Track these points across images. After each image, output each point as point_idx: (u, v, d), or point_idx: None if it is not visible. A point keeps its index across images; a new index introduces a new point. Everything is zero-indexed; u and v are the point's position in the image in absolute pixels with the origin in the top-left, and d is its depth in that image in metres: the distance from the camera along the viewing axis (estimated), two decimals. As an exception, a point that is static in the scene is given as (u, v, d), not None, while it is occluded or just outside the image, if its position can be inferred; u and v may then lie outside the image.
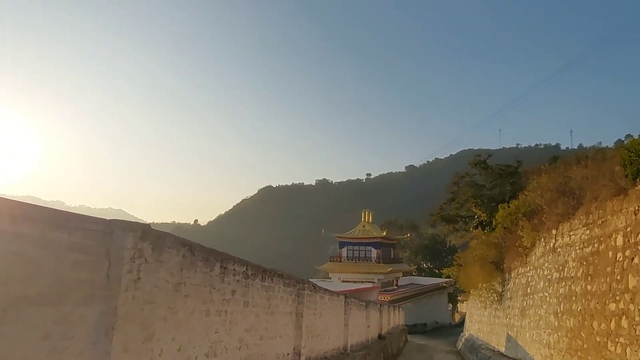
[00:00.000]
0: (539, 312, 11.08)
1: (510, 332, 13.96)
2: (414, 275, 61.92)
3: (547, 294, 10.67)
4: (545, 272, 11.05)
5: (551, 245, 10.88)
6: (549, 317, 10.13)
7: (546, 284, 10.82)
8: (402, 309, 34.18)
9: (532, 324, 11.55)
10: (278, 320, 6.33)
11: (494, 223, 17.62)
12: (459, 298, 56.39)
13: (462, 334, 29.32)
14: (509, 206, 16.22)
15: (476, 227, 21.87)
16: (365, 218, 55.60)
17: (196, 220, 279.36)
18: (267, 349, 5.87)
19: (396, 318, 26.90)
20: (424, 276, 62.48)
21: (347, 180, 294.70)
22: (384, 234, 50.87)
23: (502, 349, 14.75)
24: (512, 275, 14.69)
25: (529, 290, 12.43)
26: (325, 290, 9.30)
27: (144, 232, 3.21)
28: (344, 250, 51.71)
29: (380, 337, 18.13)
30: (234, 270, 4.86)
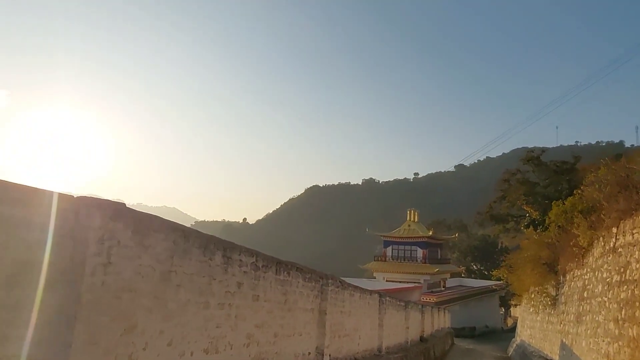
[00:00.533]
0: (597, 318, 9.96)
1: (564, 340, 12.77)
2: (463, 277, 59.73)
3: (606, 299, 9.55)
4: (605, 275, 9.91)
5: (611, 245, 9.74)
6: (608, 325, 9.05)
7: (605, 288, 9.70)
8: (449, 311, 32.83)
9: (589, 331, 10.41)
10: (297, 317, 5.91)
11: (547, 222, 16.31)
12: (511, 302, 53.67)
13: (513, 339, 27.67)
14: (563, 203, 14.91)
15: (527, 227, 20.36)
16: (410, 217, 54.22)
17: (245, 219, 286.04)
18: (283, 347, 5.47)
19: (441, 320, 25.79)
20: (474, 278, 60.05)
21: (394, 180, 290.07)
22: (430, 233, 49.32)
23: (556, 358, 13.54)
24: (567, 278, 13.45)
25: (585, 295, 11.25)
26: (356, 287, 8.78)
27: (117, 211, 2.88)
28: (389, 249, 50.67)
29: (421, 339, 17.30)
30: (240, 260, 4.49)
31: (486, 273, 59.40)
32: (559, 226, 14.93)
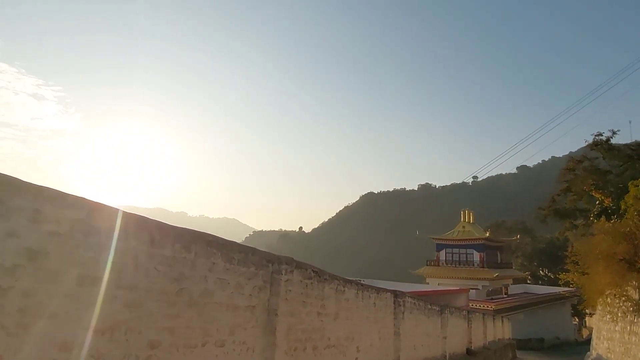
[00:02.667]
0: None
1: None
2: (528, 284, 54.43)
3: None
4: None
5: None
6: None
7: None
8: (509, 320, 29.08)
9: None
10: (215, 318, 3.90)
11: (622, 207, 13.05)
12: (586, 311, 47.80)
13: (587, 353, 23.64)
14: (644, 182, 11.73)
15: (598, 216, 16.77)
16: (465, 218, 50.21)
17: (301, 228, 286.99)
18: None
19: (499, 330, 22.44)
20: (541, 285, 54.47)
21: (452, 184, 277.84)
22: (487, 234, 45.12)
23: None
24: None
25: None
26: (349, 281, 6.51)
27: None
28: (442, 253, 47.03)
29: (468, 352, 14.47)
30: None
31: (554, 279, 53.38)
32: (638, 212, 11.74)
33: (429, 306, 10.61)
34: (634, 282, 11.98)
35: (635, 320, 11.94)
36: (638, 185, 12.08)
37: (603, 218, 15.54)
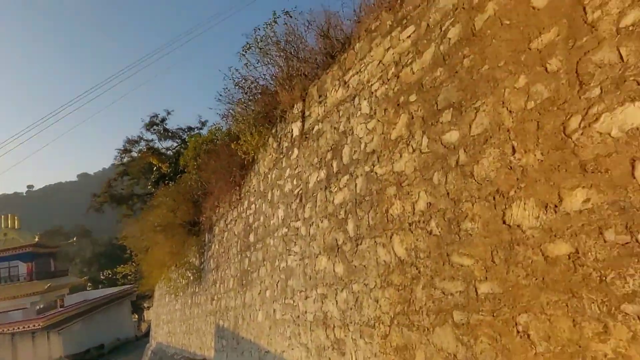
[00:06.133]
0: (281, 265, 5.74)
1: (222, 322, 8.26)
2: (89, 290, 49.62)
3: (297, 226, 5.42)
4: (289, 186, 5.81)
5: (297, 133, 5.77)
6: (306, 270, 4.87)
7: (291, 210, 5.57)
8: (60, 335, 23.97)
9: (270, 292, 6.10)
10: None
11: (181, 163, 11.69)
12: (144, 305, 48.35)
13: (147, 345, 22.27)
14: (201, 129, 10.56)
15: (157, 183, 15.32)
16: (8, 224, 39.97)
17: None
18: None
19: (44, 350, 17.22)
20: (102, 288, 51.01)
21: (1, 195, 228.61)
22: (37, 239, 37.41)
23: (211, 354, 8.93)
24: (219, 229, 9.09)
25: (252, 239, 7.01)
26: None
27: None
28: (-28, 272, 35.13)
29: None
30: None
31: (115, 279, 51.14)
32: (198, 166, 10.49)
33: None
34: (196, 248, 10.67)
35: (197, 289, 10.63)
36: (194, 137, 10.98)
37: (162, 184, 14.10)
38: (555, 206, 2.38)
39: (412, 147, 3.53)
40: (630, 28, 2.10)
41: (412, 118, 3.58)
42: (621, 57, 2.13)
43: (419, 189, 3.39)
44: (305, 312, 4.92)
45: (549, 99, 2.46)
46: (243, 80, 7.47)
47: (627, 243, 2.04)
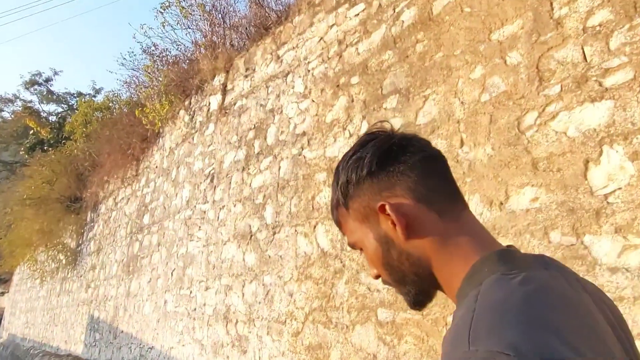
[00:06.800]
0: (180, 251, 5.12)
1: (97, 313, 7.23)
2: None
3: (204, 209, 4.89)
4: (199, 165, 5.25)
5: (217, 105, 5.24)
6: (210, 258, 4.41)
7: (199, 191, 5.03)
8: None
9: (162, 281, 5.43)
10: None
11: (67, 128, 10.18)
12: (-1, 290, 41.82)
13: (-3, 337, 19.19)
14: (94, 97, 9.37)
15: (32, 149, 13.11)
16: None
17: None
18: None
19: None
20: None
21: None
22: None
23: (79, 349, 7.76)
24: (106, 208, 8.01)
25: (147, 221, 6.23)
26: None
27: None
28: None
29: None
30: None
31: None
32: (89, 134, 9.22)
33: None
34: (73, 228, 9.32)
35: (68, 275, 9.28)
36: (87, 102, 9.63)
37: (39, 150, 12.13)
38: (501, 203, 2.29)
39: (349, 132, 3.29)
40: (597, 28, 2.08)
41: (352, 101, 3.34)
42: (585, 57, 2.10)
43: (353, 176, 3.15)
44: (204, 304, 4.40)
45: (505, 92, 2.38)
46: (153, 48, 6.66)
47: (572, 245, 1.99)
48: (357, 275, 2.91)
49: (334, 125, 3.44)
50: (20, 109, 18.77)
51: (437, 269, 0.60)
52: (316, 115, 3.66)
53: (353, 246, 0.69)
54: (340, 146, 3.32)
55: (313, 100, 3.73)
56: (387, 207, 0.60)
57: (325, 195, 3.33)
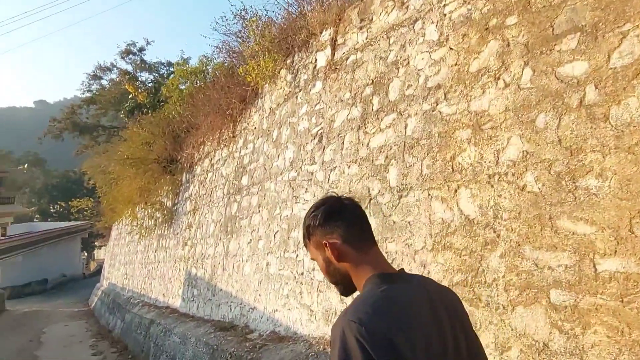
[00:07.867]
0: (284, 213, 4.96)
1: (195, 270, 7.47)
2: (36, 222, 47.22)
3: (312, 170, 4.64)
4: (305, 124, 4.99)
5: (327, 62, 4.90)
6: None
7: (305, 152, 4.78)
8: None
9: (264, 243, 5.34)
10: None
11: (164, 92, 10.49)
12: (95, 243, 46.38)
13: (97, 284, 21.25)
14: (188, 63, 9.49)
15: (131, 113, 13.91)
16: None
17: None
18: None
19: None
20: (51, 221, 48.65)
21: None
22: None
23: (177, 302, 8.15)
24: (201, 169, 8.16)
25: (246, 182, 6.17)
26: None
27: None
28: None
29: None
30: None
31: (67, 213, 48.71)
32: (185, 97, 9.39)
33: None
34: (169, 188, 9.70)
35: (164, 232, 9.73)
36: (180, 65, 9.82)
37: (137, 114, 12.78)
38: None
39: (505, 82, 2.78)
40: None
41: (508, 45, 2.82)
42: None
43: (511, 133, 2.66)
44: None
45: None
46: (244, 11, 6.42)
47: None
48: (518, 248, 2.47)
49: (482, 75, 2.94)
50: (117, 78, 19.93)
51: (354, 279, 1.14)
52: (455, 64, 3.18)
53: (313, 259, 1.24)
54: (490, 98, 2.83)
55: (451, 48, 3.24)
56: (327, 244, 1.14)
57: (470, 155, 2.89)
